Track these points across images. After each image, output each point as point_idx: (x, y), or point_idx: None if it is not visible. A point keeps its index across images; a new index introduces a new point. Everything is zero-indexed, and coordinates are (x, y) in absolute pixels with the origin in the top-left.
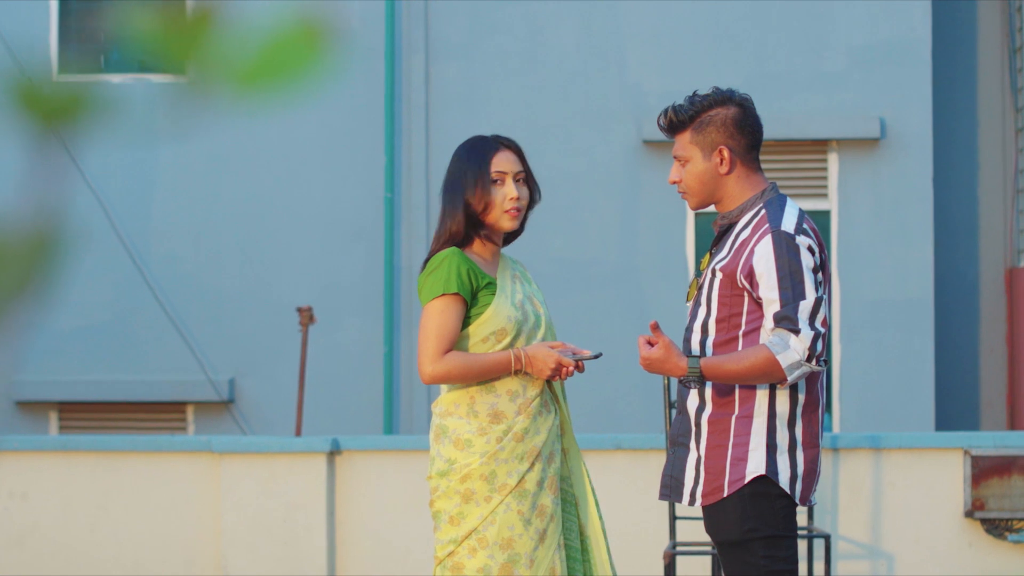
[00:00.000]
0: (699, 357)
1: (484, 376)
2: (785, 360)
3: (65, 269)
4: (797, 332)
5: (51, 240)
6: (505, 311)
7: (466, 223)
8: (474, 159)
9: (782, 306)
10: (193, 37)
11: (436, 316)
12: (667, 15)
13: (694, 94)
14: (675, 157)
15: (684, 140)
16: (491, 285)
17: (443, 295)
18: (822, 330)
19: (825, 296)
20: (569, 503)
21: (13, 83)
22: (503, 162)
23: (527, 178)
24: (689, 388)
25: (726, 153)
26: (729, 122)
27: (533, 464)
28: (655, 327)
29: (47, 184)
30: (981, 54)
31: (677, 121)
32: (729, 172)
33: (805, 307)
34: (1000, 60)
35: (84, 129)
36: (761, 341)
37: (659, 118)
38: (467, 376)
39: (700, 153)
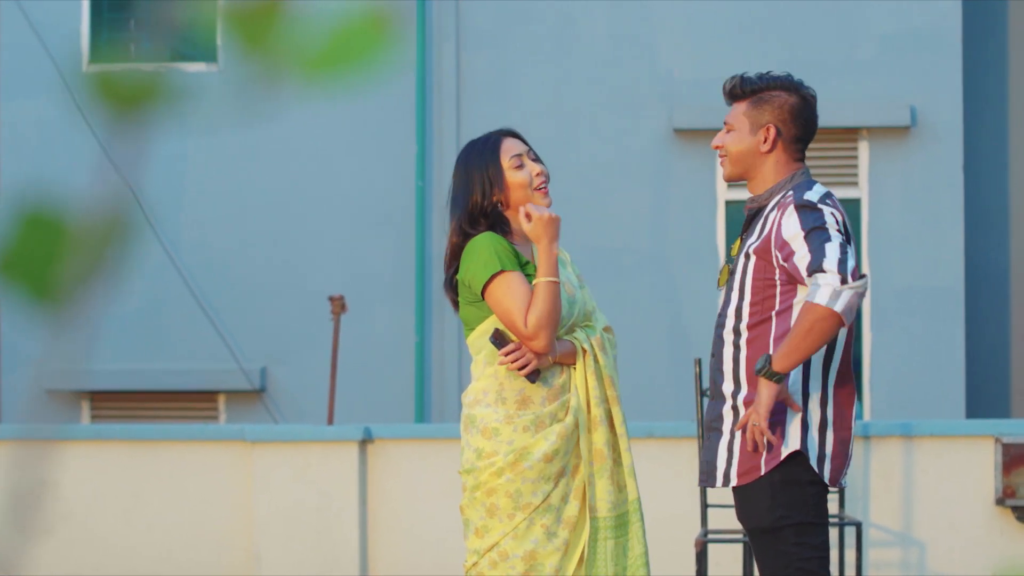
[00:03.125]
0: (765, 364)
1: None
2: (823, 298)
3: (130, 257)
4: (824, 270)
5: (119, 227)
6: None
7: (481, 227)
8: (480, 160)
9: (812, 258)
10: (257, 25)
11: (511, 286)
12: (698, 3)
13: (767, 72)
14: (725, 123)
15: (739, 110)
16: (528, 265)
17: (501, 272)
18: (849, 255)
19: (851, 246)
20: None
21: (80, 73)
22: (513, 147)
23: (534, 153)
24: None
25: (772, 131)
26: (786, 107)
27: (557, 482)
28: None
29: (116, 171)
30: (1012, 41)
31: (740, 91)
32: (769, 151)
33: (830, 248)
34: None
35: (158, 116)
36: (795, 313)
37: (725, 83)
38: (554, 308)
39: (748, 126)
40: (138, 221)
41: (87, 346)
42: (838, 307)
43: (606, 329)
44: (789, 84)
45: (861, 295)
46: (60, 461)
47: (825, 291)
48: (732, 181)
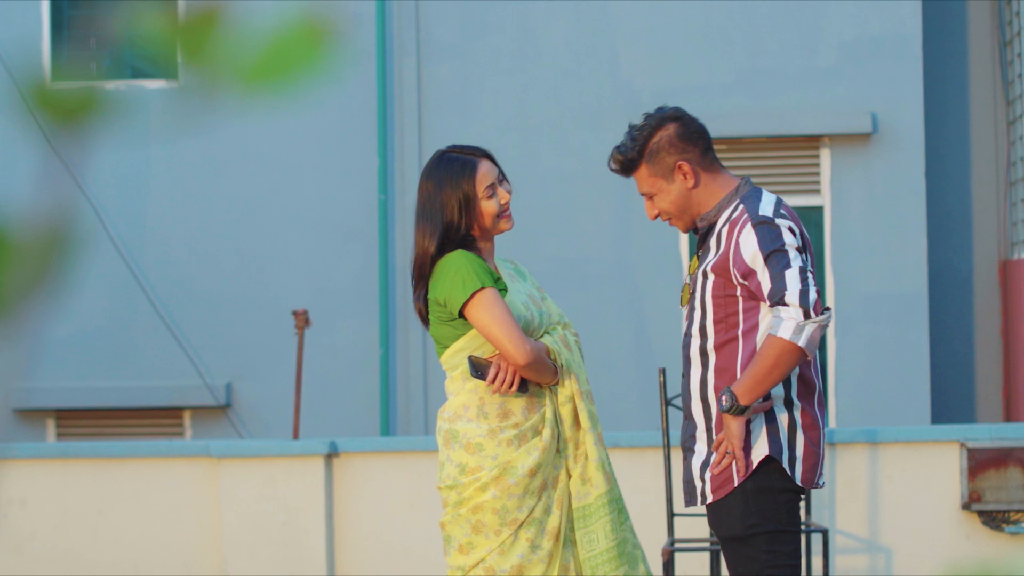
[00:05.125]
0: (732, 402)
1: (545, 372)
2: (786, 332)
3: (75, 270)
4: (786, 303)
5: (63, 240)
6: (516, 310)
7: (452, 245)
8: (456, 182)
9: (773, 286)
10: (195, 38)
11: (496, 306)
12: (658, 13)
13: (631, 128)
14: (643, 195)
15: (643, 175)
16: (500, 281)
17: (482, 289)
18: (811, 284)
19: (811, 269)
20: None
21: (24, 86)
22: (487, 175)
23: (503, 174)
24: (742, 415)
25: (686, 167)
26: (675, 140)
27: (541, 495)
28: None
29: (59, 184)
30: (972, 48)
31: (627, 160)
32: (696, 185)
33: (791, 277)
34: (990, 53)
35: (87, 132)
36: (762, 330)
37: (609, 163)
38: (543, 365)
39: (663, 180)
40: (80, 235)
41: (27, 362)
42: (801, 342)
43: (564, 326)
44: (657, 121)
45: (824, 328)
46: (26, 479)
47: (788, 325)
48: (691, 230)
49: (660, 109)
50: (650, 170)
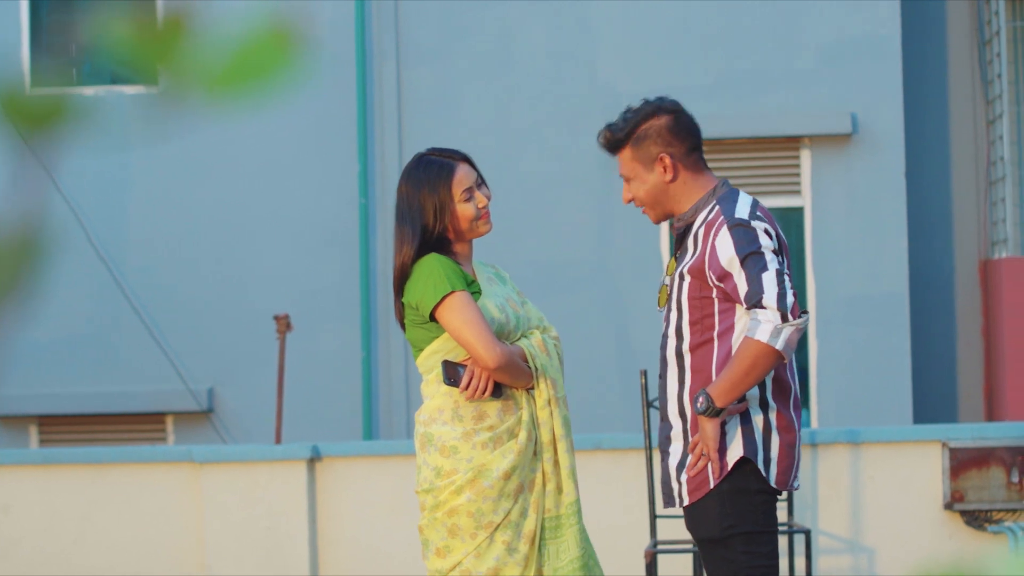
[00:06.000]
0: (708, 404)
1: (519, 376)
2: (764, 335)
3: (45, 275)
4: (764, 306)
5: (33, 246)
6: (489, 313)
7: (426, 248)
8: (433, 186)
9: (750, 289)
10: (166, 44)
11: (466, 308)
12: (638, 15)
13: (627, 109)
14: (622, 176)
15: (626, 158)
16: (474, 284)
17: (452, 292)
18: (788, 287)
19: (787, 271)
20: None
21: (1, 92)
22: (464, 179)
23: (481, 177)
24: (719, 416)
25: (668, 160)
26: (664, 131)
27: (517, 498)
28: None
29: (28, 190)
30: (951, 48)
31: (615, 139)
32: (674, 179)
33: (768, 280)
34: (970, 53)
35: (61, 138)
36: (737, 332)
37: (598, 137)
38: (516, 368)
39: (642, 168)
40: (51, 240)
41: (5, 368)
42: (779, 345)
43: (543, 330)
44: (652, 109)
45: (801, 331)
46: (9, 485)
47: (766, 328)
48: (662, 222)
49: (660, 99)
50: (633, 154)
